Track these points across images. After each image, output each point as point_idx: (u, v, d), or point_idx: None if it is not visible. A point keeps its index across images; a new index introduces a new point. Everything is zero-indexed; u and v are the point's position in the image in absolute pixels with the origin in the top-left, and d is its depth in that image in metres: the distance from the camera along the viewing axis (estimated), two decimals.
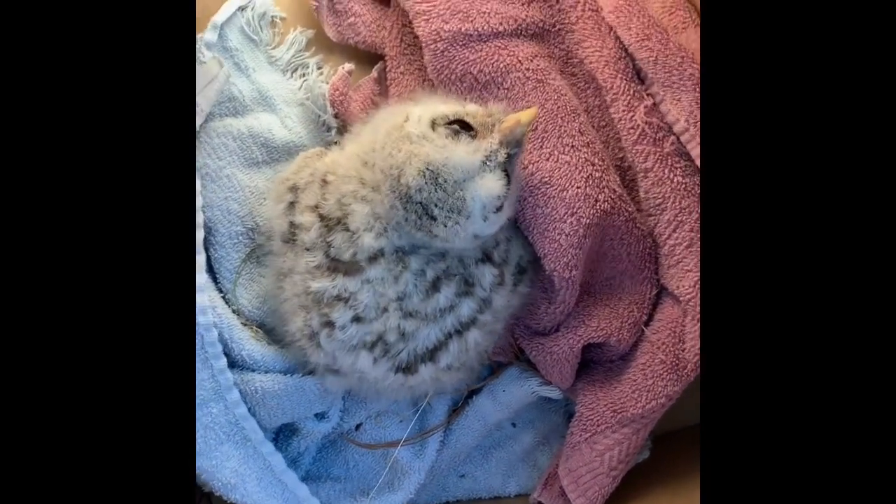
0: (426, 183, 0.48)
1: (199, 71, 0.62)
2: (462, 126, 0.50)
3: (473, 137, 0.50)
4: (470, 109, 0.51)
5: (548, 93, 0.59)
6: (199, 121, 0.62)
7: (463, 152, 0.48)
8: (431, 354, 0.54)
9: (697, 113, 0.58)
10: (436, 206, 0.48)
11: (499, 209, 0.50)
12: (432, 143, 0.48)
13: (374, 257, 0.52)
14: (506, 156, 0.49)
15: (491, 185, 0.49)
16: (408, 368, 0.55)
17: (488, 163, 0.49)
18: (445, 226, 0.49)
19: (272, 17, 0.67)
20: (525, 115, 0.51)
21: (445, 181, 0.48)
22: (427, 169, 0.48)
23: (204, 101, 0.62)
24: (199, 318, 0.59)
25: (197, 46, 0.64)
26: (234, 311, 0.62)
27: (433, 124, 0.50)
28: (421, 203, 0.48)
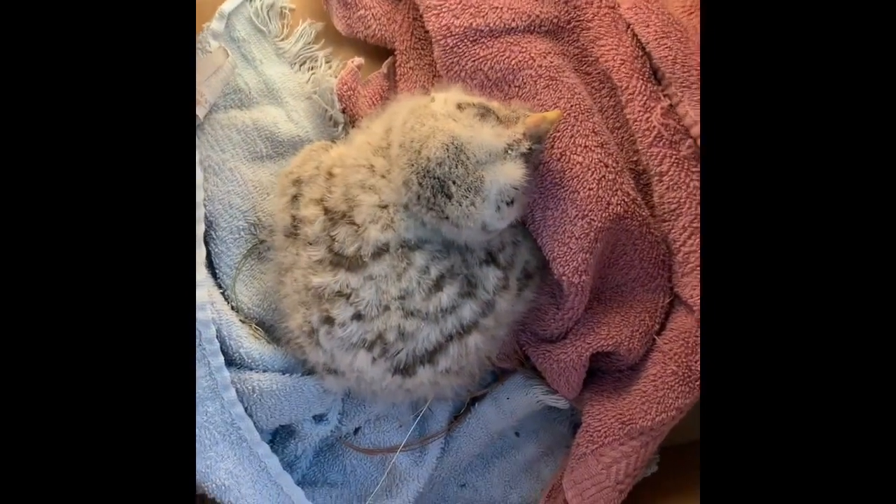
0: (448, 157, 0.48)
1: (204, 61, 0.61)
2: (487, 112, 0.50)
3: (498, 123, 0.50)
4: (494, 104, 0.52)
5: (560, 91, 0.57)
6: (202, 112, 0.61)
7: (488, 134, 0.49)
8: (430, 356, 0.53)
9: None
10: (454, 182, 0.48)
11: (511, 202, 0.50)
12: (459, 121, 0.49)
13: (378, 252, 0.51)
14: (528, 148, 0.50)
15: (511, 171, 0.49)
16: (406, 370, 0.53)
17: (510, 151, 0.49)
18: (460, 204, 0.48)
19: (281, 7, 0.66)
20: (551, 115, 0.51)
21: (468, 158, 0.48)
22: (452, 143, 0.48)
23: (208, 91, 0.61)
24: (198, 314, 0.58)
25: (203, 36, 0.64)
26: (232, 308, 0.61)
27: (459, 106, 0.50)
28: (439, 178, 0.48)
